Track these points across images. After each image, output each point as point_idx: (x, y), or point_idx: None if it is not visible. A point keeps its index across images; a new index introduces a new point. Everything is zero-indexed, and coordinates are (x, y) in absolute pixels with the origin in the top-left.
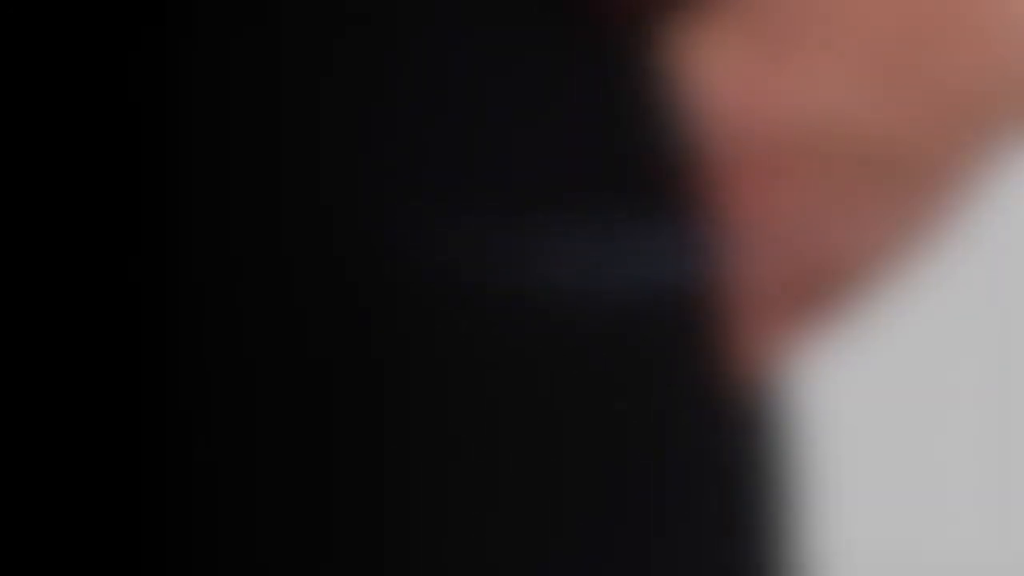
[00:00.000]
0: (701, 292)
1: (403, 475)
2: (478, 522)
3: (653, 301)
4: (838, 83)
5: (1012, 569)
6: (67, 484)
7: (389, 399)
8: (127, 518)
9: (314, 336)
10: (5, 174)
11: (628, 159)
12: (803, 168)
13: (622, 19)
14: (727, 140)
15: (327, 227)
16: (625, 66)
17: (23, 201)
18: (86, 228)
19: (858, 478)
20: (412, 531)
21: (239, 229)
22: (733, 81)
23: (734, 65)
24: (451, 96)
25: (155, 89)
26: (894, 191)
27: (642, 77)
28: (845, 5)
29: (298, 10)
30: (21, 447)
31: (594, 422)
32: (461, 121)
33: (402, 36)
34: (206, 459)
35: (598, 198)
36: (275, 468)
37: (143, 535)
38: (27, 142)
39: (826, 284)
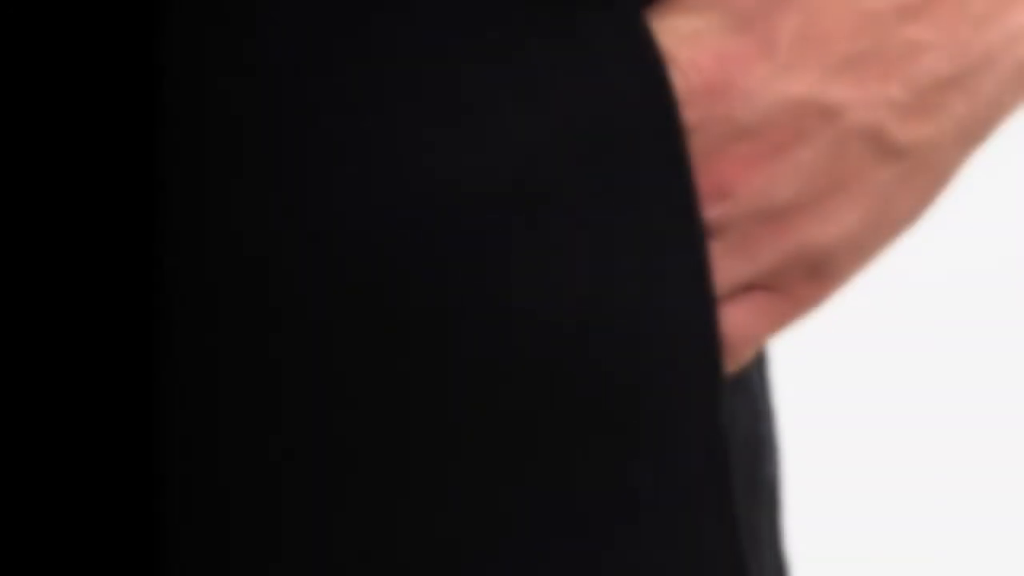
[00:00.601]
0: (692, 278)
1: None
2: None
3: (646, 291)
4: (821, 68)
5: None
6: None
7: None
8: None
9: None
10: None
11: (617, 149)
12: (790, 152)
13: None
14: (715, 127)
15: (311, 223)
16: (613, 55)
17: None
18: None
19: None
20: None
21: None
22: (721, 69)
23: (722, 54)
24: (437, 90)
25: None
26: (880, 173)
27: (629, 66)
28: None
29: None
30: (28, 446)
31: (589, 418)
32: (448, 112)
33: (388, 40)
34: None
35: (591, 192)
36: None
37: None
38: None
39: (815, 267)
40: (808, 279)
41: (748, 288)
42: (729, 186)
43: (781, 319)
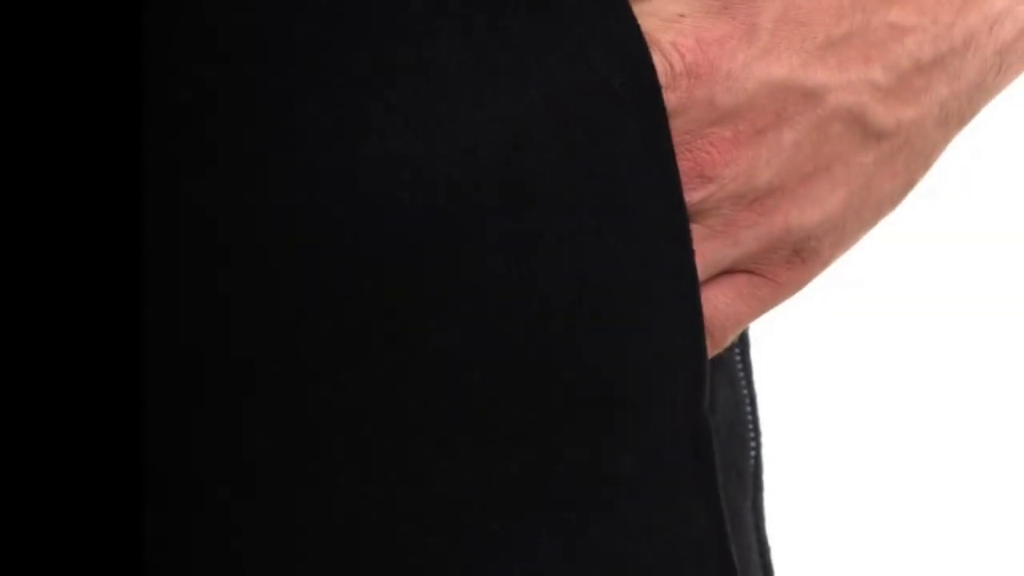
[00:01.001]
0: (676, 263)
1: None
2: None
3: (629, 277)
4: (803, 52)
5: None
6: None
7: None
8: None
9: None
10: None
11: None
12: (772, 135)
13: None
14: (697, 110)
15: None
16: (595, 39)
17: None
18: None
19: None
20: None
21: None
22: (703, 53)
23: (703, 37)
24: (419, 75)
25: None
26: (862, 155)
27: (612, 50)
28: None
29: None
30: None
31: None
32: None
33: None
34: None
35: (573, 177)
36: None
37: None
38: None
39: (797, 250)
40: (790, 262)
41: (730, 271)
42: (711, 169)
43: (763, 303)
